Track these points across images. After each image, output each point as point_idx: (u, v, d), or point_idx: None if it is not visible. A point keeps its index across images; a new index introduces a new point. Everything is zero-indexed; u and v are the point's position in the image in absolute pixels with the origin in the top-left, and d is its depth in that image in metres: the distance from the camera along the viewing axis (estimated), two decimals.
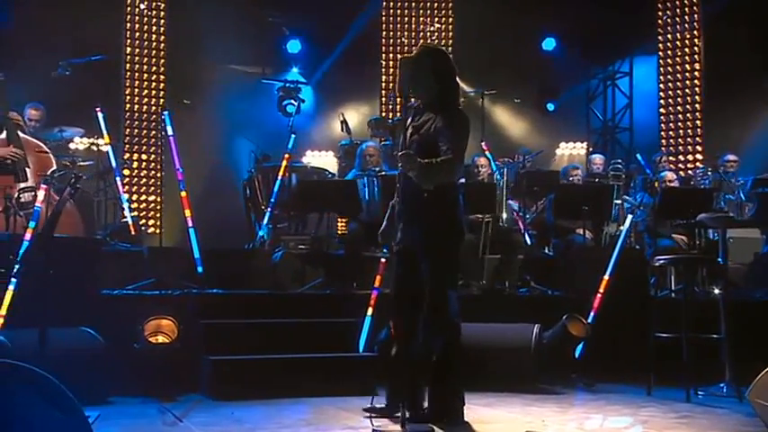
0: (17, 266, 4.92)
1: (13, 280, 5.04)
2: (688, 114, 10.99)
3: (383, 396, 4.75)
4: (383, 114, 10.83)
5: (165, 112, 7.34)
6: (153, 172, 10.43)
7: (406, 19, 11.58)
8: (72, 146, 8.56)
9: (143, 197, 10.34)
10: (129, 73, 10.39)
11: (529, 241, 8.11)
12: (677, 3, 11.12)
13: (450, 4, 11.59)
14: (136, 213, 9.77)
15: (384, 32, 11.55)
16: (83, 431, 2.79)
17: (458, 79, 4.71)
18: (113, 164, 7.95)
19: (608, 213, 7.91)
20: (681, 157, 10.93)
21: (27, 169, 6.75)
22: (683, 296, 5.87)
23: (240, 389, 5.33)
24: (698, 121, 10.91)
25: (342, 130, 9.57)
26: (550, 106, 12.60)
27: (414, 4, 11.59)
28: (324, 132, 11.67)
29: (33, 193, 6.48)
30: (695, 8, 10.99)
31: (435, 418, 4.40)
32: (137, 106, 10.41)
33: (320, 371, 5.64)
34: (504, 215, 8.15)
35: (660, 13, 11.24)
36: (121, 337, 5.47)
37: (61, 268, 4.79)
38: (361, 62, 11.64)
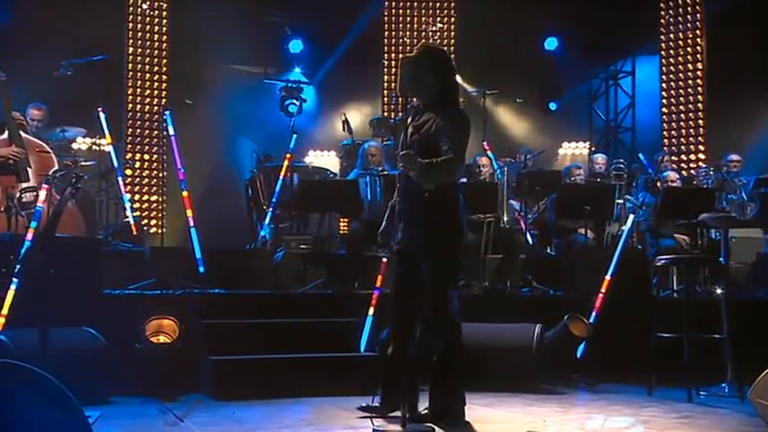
0: (18, 266, 4.92)
1: (15, 280, 5.05)
2: (690, 114, 10.98)
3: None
4: (385, 114, 10.84)
5: (167, 112, 7.34)
6: (155, 172, 10.45)
7: (408, 19, 11.60)
8: (75, 146, 8.57)
9: (145, 197, 10.36)
10: (131, 73, 10.41)
11: (530, 241, 8.11)
12: (680, 2, 11.11)
13: (453, 4, 11.59)
14: (138, 213, 9.79)
15: (386, 32, 11.56)
16: (83, 431, 2.79)
17: (458, 78, 4.71)
18: (115, 164, 7.95)
19: (610, 213, 7.90)
20: (683, 157, 10.93)
21: (29, 169, 6.75)
22: (685, 296, 5.86)
23: (241, 389, 5.33)
24: (700, 121, 10.91)
25: (343, 129, 9.56)
26: (553, 106, 12.59)
27: (416, 3, 11.60)
28: (326, 132, 11.67)
29: (35, 193, 6.47)
30: (698, 8, 10.98)
31: (436, 418, 4.41)
32: (139, 106, 10.43)
33: (321, 371, 5.63)
34: (506, 217, 8.13)
35: (662, 13, 11.24)
36: (123, 336, 5.46)
37: (62, 268, 4.79)
38: (363, 62, 11.65)
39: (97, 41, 8.92)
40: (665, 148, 10.81)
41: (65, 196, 4.96)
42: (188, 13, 10.53)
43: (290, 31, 11.48)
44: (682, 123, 11.04)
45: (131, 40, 10.42)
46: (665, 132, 11.17)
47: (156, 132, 10.41)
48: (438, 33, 11.46)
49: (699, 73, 10.96)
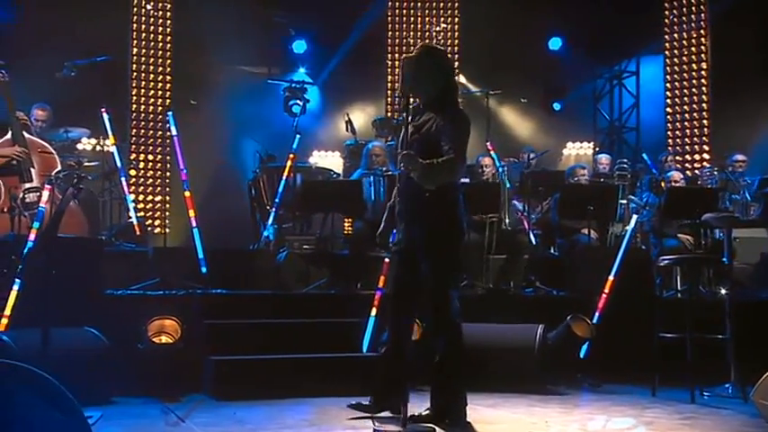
0: (20, 266, 4.93)
1: (17, 280, 5.06)
2: (695, 114, 10.97)
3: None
4: (389, 114, 10.83)
5: (169, 113, 7.35)
6: (159, 172, 10.47)
7: (412, 19, 11.60)
8: (79, 146, 8.58)
9: (149, 197, 10.38)
10: (135, 73, 10.44)
11: (534, 241, 8.10)
12: (684, 2, 11.10)
13: (456, 4, 11.59)
14: (142, 214, 9.82)
15: (390, 32, 11.56)
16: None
17: (459, 78, 4.71)
18: (118, 164, 7.96)
19: (613, 213, 7.88)
20: (688, 157, 10.91)
21: (32, 170, 6.76)
22: (688, 296, 5.85)
23: (243, 389, 5.32)
24: (705, 121, 10.89)
25: (347, 130, 9.57)
26: (557, 106, 12.59)
27: (419, 3, 11.61)
28: (330, 132, 11.68)
29: (38, 194, 6.48)
30: (702, 7, 10.97)
31: (437, 419, 4.40)
32: (143, 107, 10.45)
33: (323, 371, 5.62)
34: (507, 219, 8.12)
35: (667, 13, 11.23)
36: (125, 337, 5.45)
37: (64, 268, 4.80)
38: (366, 62, 11.66)
39: (101, 42, 8.94)
40: (670, 148, 10.79)
41: (66, 196, 4.98)
42: (192, 13, 10.55)
43: (293, 32, 11.49)
44: (686, 123, 11.02)
45: (135, 41, 10.44)
46: (669, 132, 11.16)
47: (159, 133, 10.42)
48: (442, 33, 11.46)
49: (703, 73, 10.94)
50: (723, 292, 6.71)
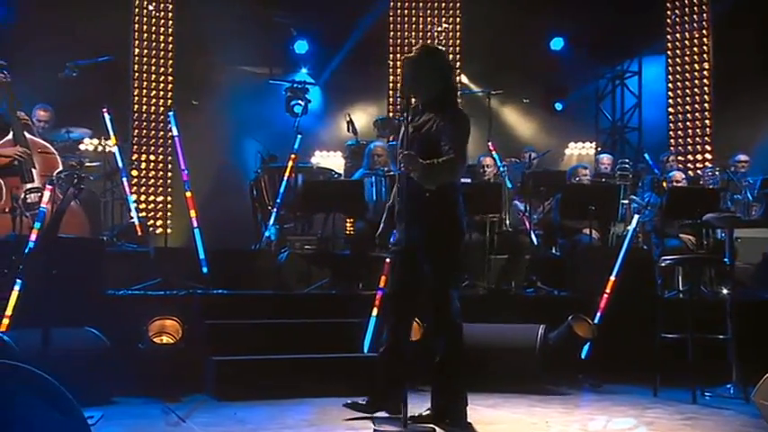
0: (20, 266, 4.93)
1: (18, 280, 5.06)
2: (697, 114, 10.96)
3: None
4: (390, 114, 10.83)
5: (170, 113, 7.35)
6: (161, 173, 10.48)
7: (414, 19, 11.59)
8: (82, 147, 8.59)
9: (151, 198, 10.38)
10: (136, 74, 10.44)
11: (535, 241, 8.09)
12: (686, 2, 11.08)
13: (458, 4, 11.58)
14: (144, 214, 9.82)
15: (391, 32, 11.56)
16: None
17: (459, 79, 4.72)
18: (120, 164, 7.97)
19: (615, 213, 7.86)
20: (690, 157, 10.90)
21: (33, 170, 6.76)
22: (689, 296, 5.84)
23: (244, 389, 5.33)
24: (707, 121, 10.88)
25: (348, 130, 9.57)
26: (559, 106, 12.58)
27: (421, 4, 11.60)
28: (332, 133, 11.69)
29: (39, 194, 6.48)
30: (704, 7, 10.96)
31: (438, 419, 4.40)
32: (144, 107, 10.46)
33: (324, 371, 5.62)
34: (508, 221, 8.11)
35: (669, 13, 11.22)
36: (126, 337, 5.45)
37: (65, 268, 4.81)
38: (368, 62, 11.67)
39: (102, 42, 8.94)
40: (672, 148, 10.78)
41: (67, 196, 4.97)
42: (193, 14, 10.55)
43: (295, 32, 11.50)
44: (688, 123, 11.01)
45: (137, 41, 10.45)
46: (671, 132, 11.15)
47: (161, 133, 10.44)
48: (443, 33, 11.45)
49: (705, 73, 10.93)
50: (725, 292, 6.70)
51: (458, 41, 11.53)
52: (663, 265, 6.04)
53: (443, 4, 11.60)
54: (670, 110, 11.19)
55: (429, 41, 10.61)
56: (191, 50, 10.62)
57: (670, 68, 11.22)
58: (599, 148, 12.31)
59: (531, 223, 8.22)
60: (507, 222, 8.06)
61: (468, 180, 7.69)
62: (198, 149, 8.78)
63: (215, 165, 10.47)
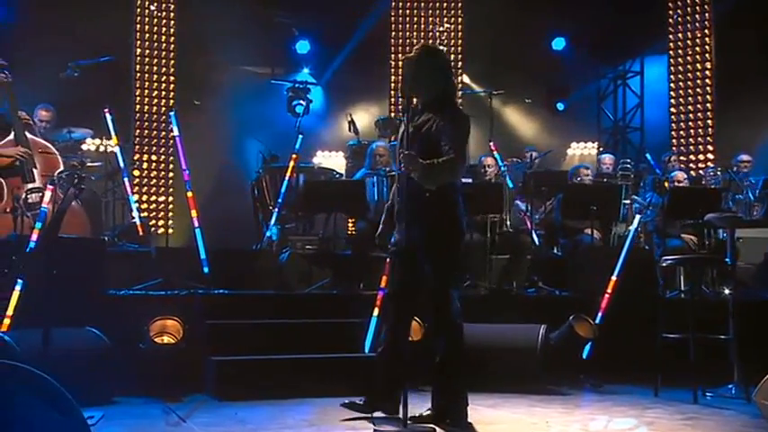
0: (21, 266, 4.94)
1: (19, 280, 5.07)
2: (699, 114, 10.95)
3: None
4: (392, 114, 10.83)
5: (172, 113, 7.35)
6: (162, 173, 10.50)
7: (415, 19, 11.60)
8: (84, 147, 8.60)
9: (152, 198, 10.40)
10: (138, 74, 10.46)
11: (537, 241, 8.08)
12: (688, 2, 11.08)
13: (460, 4, 11.59)
14: (145, 214, 9.83)
15: (393, 32, 11.57)
16: None
17: (460, 78, 4.71)
18: (121, 164, 7.97)
19: (616, 213, 7.85)
20: (692, 157, 10.89)
21: (34, 170, 6.76)
22: (691, 296, 5.83)
23: (245, 389, 5.33)
24: (709, 121, 10.87)
25: (349, 130, 9.57)
26: (560, 106, 12.58)
27: (423, 4, 11.60)
28: (334, 133, 11.69)
29: (41, 194, 6.48)
30: (706, 7, 10.95)
31: (438, 419, 4.40)
32: (146, 107, 10.48)
33: (325, 371, 5.62)
34: (509, 221, 8.10)
35: (671, 12, 11.21)
36: (127, 337, 5.46)
37: (65, 268, 4.81)
38: (370, 62, 11.66)
39: (104, 43, 8.96)
40: (674, 148, 10.78)
41: (68, 196, 4.97)
42: (195, 14, 10.57)
43: (296, 32, 11.50)
44: (690, 123, 11.01)
45: (138, 42, 10.47)
46: (673, 132, 11.14)
47: (163, 133, 10.46)
48: (445, 33, 11.45)
49: (707, 73, 10.92)
50: (726, 292, 6.70)
51: (459, 41, 11.53)
52: (664, 265, 6.04)
53: (445, 4, 11.60)
54: (672, 110, 11.19)
55: (430, 41, 10.60)
56: (192, 50, 10.63)
57: (672, 68, 11.21)
58: (601, 148, 12.31)
59: (533, 223, 8.22)
60: (509, 222, 8.05)
61: (470, 180, 7.69)
62: (199, 149, 8.78)
63: (216, 165, 10.48)
